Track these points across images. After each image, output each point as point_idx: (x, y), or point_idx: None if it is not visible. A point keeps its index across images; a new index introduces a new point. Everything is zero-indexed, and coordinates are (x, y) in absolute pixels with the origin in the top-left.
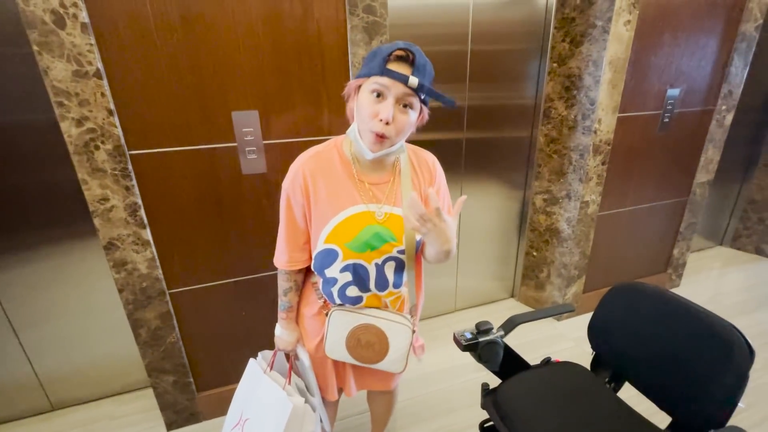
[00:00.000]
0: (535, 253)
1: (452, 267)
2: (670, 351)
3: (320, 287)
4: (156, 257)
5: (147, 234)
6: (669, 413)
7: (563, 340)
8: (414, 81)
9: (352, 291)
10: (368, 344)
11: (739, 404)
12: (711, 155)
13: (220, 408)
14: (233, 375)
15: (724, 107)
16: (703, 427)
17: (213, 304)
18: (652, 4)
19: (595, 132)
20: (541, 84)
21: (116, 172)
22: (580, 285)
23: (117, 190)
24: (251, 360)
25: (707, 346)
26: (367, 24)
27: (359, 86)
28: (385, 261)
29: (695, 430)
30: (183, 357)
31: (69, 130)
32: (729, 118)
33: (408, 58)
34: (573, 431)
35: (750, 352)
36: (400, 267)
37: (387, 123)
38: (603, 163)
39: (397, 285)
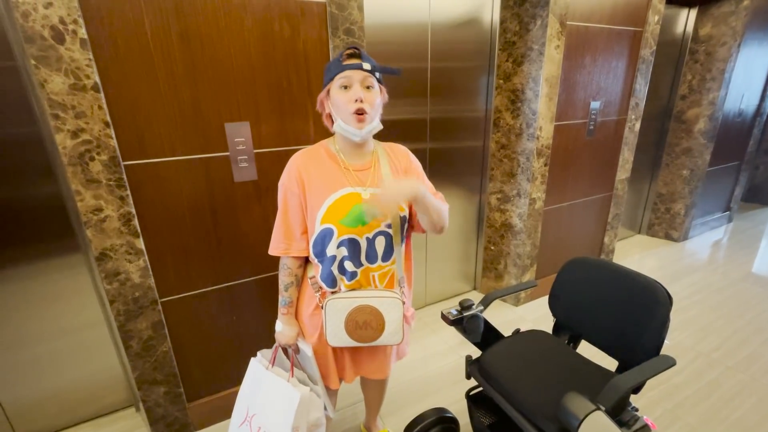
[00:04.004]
0: (492, 247)
1: (421, 268)
2: (613, 308)
3: (318, 276)
4: (149, 266)
5: (140, 243)
6: (616, 358)
7: (523, 322)
8: (367, 65)
9: (349, 265)
10: (365, 324)
11: (666, 341)
12: (627, 156)
13: (210, 417)
14: (224, 381)
15: (633, 116)
16: (642, 362)
17: (204, 311)
18: (574, 32)
19: (538, 138)
20: (490, 98)
21: (111, 183)
22: (533, 273)
23: (111, 201)
24: (252, 359)
25: (640, 298)
26: (348, 44)
27: (328, 91)
28: (375, 236)
29: (637, 365)
30: (174, 366)
31: (64, 142)
32: (638, 126)
33: (356, 54)
34: (545, 383)
35: (669, 299)
36: (389, 242)
37: (361, 101)
38: (545, 165)
39: (385, 259)
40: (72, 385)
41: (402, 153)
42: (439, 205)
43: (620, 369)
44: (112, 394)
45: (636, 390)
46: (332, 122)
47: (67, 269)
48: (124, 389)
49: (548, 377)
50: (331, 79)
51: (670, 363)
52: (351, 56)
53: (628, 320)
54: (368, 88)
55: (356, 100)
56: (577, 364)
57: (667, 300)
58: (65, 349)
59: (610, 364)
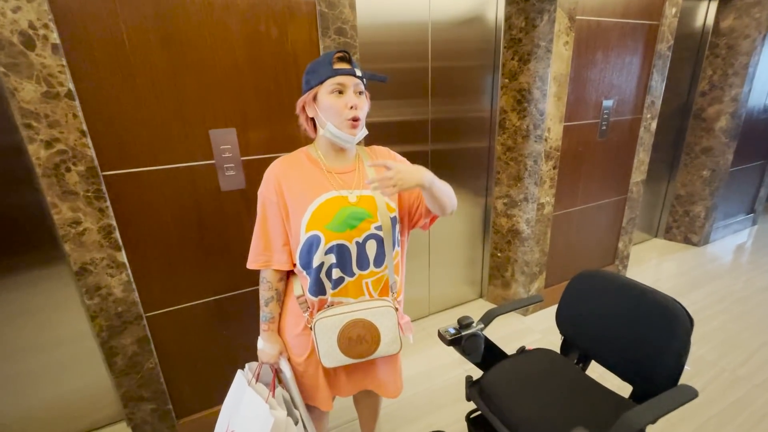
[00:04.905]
0: (499, 254)
1: (424, 274)
2: (627, 328)
3: (306, 289)
4: (132, 280)
5: (122, 256)
6: (630, 383)
7: (531, 333)
8: (358, 71)
9: (336, 273)
10: (360, 339)
11: (686, 367)
12: (642, 157)
13: None
14: (215, 397)
15: (649, 115)
16: (659, 389)
17: (193, 325)
18: (584, 27)
19: (546, 140)
20: (495, 97)
21: (89, 194)
22: (542, 280)
23: (90, 213)
24: (239, 371)
25: (657, 319)
26: (339, 45)
27: (314, 96)
28: (365, 240)
29: (652, 393)
30: (162, 383)
31: (37, 153)
32: (654, 125)
33: (346, 58)
34: (550, 409)
35: (690, 321)
36: (380, 246)
37: (356, 108)
38: (554, 168)
39: (377, 264)
40: (62, 399)
41: (384, 153)
42: (447, 187)
43: (634, 395)
44: (103, 408)
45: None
46: (314, 127)
47: (55, 280)
48: (116, 403)
49: (554, 403)
50: (320, 82)
51: (690, 395)
52: (341, 60)
53: (643, 343)
54: (359, 94)
55: (351, 107)
56: (587, 389)
57: (687, 322)
58: (54, 362)
59: (622, 384)
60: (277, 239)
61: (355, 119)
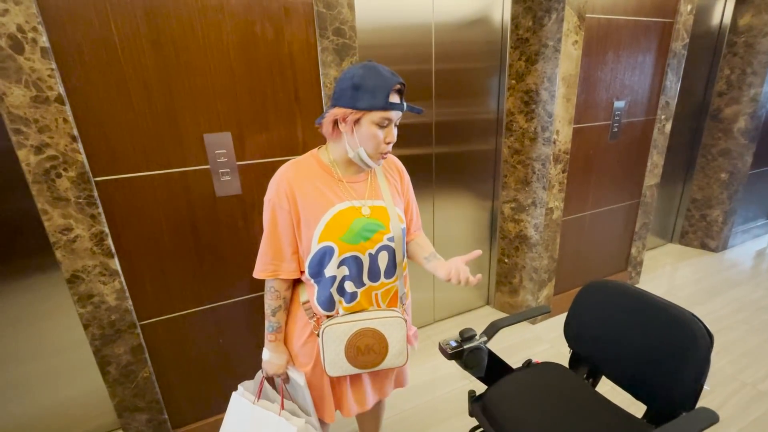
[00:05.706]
0: (506, 260)
1: (429, 280)
2: (640, 343)
3: (314, 299)
4: (125, 287)
5: (115, 263)
6: (644, 402)
7: (540, 342)
8: (405, 106)
9: (349, 286)
10: (368, 348)
11: (705, 387)
12: (656, 160)
13: None
14: (212, 407)
15: (663, 116)
16: (676, 411)
17: (188, 334)
18: (594, 26)
19: (554, 142)
20: (501, 99)
21: (80, 200)
22: (551, 288)
23: (81, 219)
24: (234, 394)
25: (672, 335)
26: (337, 46)
27: (358, 119)
28: (378, 251)
29: (668, 414)
30: (157, 392)
31: (27, 158)
32: (668, 126)
33: (401, 91)
34: (557, 428)
35: (710, 338)
36: (391, 257)
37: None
38: (563, 171)
39: (388, 275)
40: (58, 406)
41: (394, 163)
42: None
43: (648, 415)
44: (100, 416)
45: None
46: (336, 133)
47: (52, 286)
48: (113, 411)
49: (562, 423)
50: (369, 109)
51: (711, 420)
52: (397, 92)
53: (658, 362)
54: (395, 125)
55: (389, 143)
56: (597, 408)
57: (706, 338)
58: (51, 370)
59: (631, 403)
60: (287, 248)
61: (387, 152)
